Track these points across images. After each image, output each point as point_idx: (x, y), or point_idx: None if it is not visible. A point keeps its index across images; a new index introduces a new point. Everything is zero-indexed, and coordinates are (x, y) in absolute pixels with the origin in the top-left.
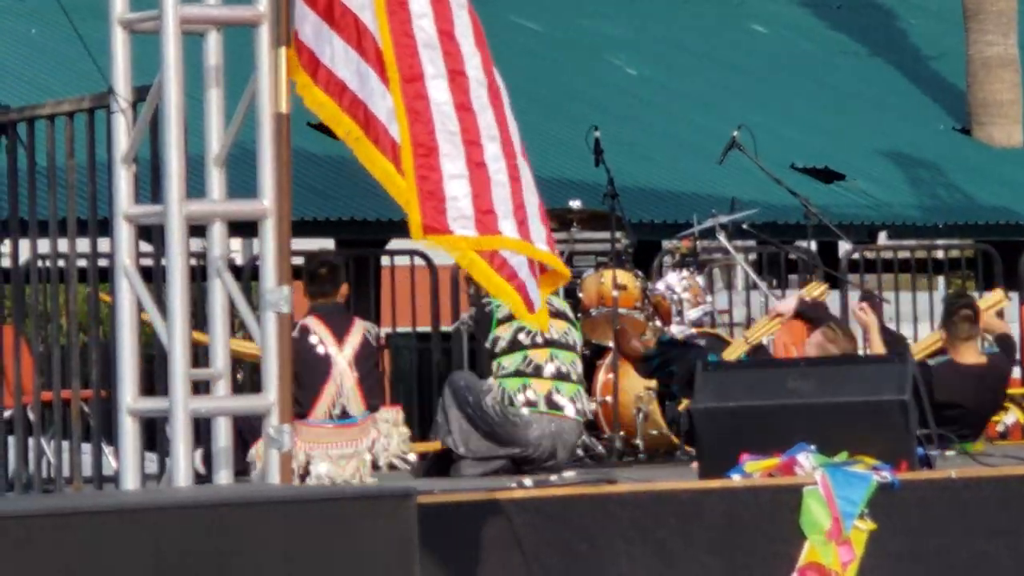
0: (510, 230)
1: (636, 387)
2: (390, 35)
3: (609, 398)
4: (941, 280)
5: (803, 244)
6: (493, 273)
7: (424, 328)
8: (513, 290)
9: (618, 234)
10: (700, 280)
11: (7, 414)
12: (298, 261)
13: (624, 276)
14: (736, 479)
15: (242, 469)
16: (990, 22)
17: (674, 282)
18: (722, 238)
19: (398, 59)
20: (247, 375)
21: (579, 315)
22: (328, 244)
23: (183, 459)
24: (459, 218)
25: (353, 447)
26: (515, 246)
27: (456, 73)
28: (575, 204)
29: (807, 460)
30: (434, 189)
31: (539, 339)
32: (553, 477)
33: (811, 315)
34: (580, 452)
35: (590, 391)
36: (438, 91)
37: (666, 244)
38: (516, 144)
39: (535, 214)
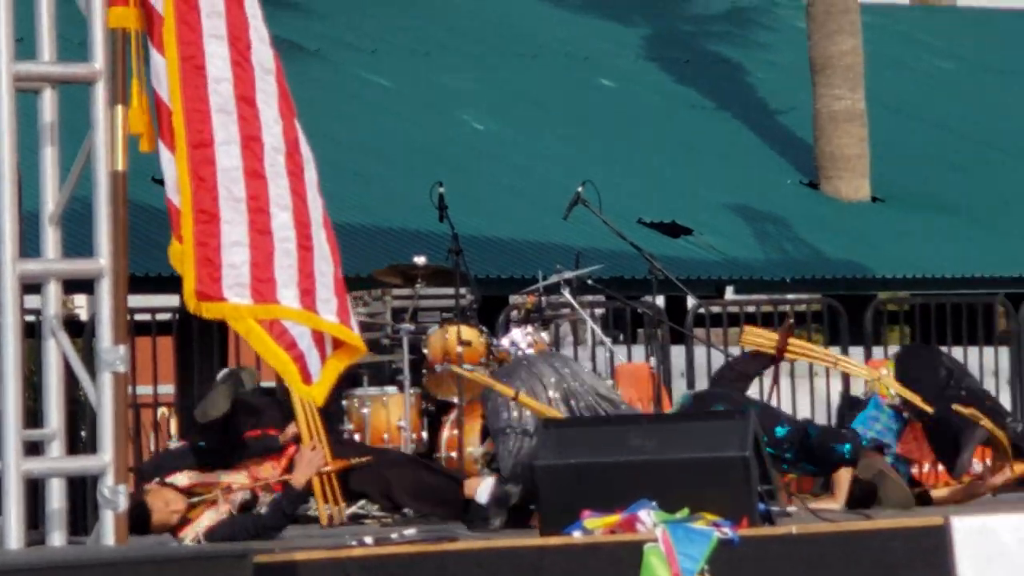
0: (290, 299)
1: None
2: (181, 101)
3: (454, 454)
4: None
5: (649, 299)
6: (271, 341)
7: (269, 383)
8: (290, 360)
9: (462, 290)
10: (545, 336)
11: None
12: (144, 318)
13: (469, 332)
14: (577, 536)
15: None
16: (837, 76)
17: (519, 338)
18: (567, 293)
19: (187, 124)
20: (89, 434)
21: (423, 371)
22: (173, 300)
23: (15, 521)
24: (235, 285)
25: None
26: (295, 316)
27: (251, 139)
28: (419, 260)
29: (648, 517)
30: (212, 256)
31: None
32: (394, 535)
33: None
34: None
35: (434, 448)
36: (228, 157)
37: (512, 299)
38: (314, 214)
39: (327, 285)
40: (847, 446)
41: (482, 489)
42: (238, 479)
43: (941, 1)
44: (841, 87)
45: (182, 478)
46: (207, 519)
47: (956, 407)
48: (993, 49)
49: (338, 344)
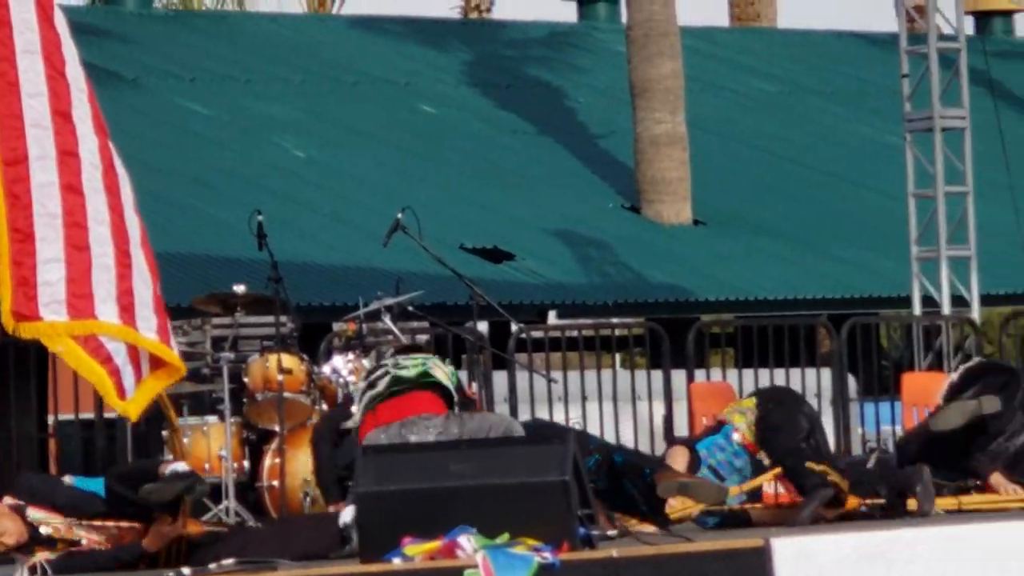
0: (109, 314)
1: (303, 471)
2: None
3: (276, 482)
4: (618, 357)
5: (471, 324)
6: (86, 356)
7: (88, 415)
8: (105, 374)
9: (283, 318)
10: (366, 363)
11: None
12: None
13: (290, 360)
14: (396, 563)
15: None
16: (657, 100)
17: (340, 365)
18: (387, 320)
19: (1, 141)
20: None
21: (244, 400)
22: None
23: None
24: (51, 303)
25: None
26: (114, 331)
27: (67, 154)
28: (239, 288)
29: (468, 542)
30: (28, 275)
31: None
32: (212, 565)
33: None
34: None
35: (256, 477)
36: (43, 172)
37: (334, 326)
38: (132, 232)
39: (146, 303)
40: (647, 469)
41: (345, 512)
42: (94, 537)
43: (760, 23)
44: (661, 110)
45: (45, 520)
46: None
47: (809, 464)
48: (812, 70)
49: (157, 364)
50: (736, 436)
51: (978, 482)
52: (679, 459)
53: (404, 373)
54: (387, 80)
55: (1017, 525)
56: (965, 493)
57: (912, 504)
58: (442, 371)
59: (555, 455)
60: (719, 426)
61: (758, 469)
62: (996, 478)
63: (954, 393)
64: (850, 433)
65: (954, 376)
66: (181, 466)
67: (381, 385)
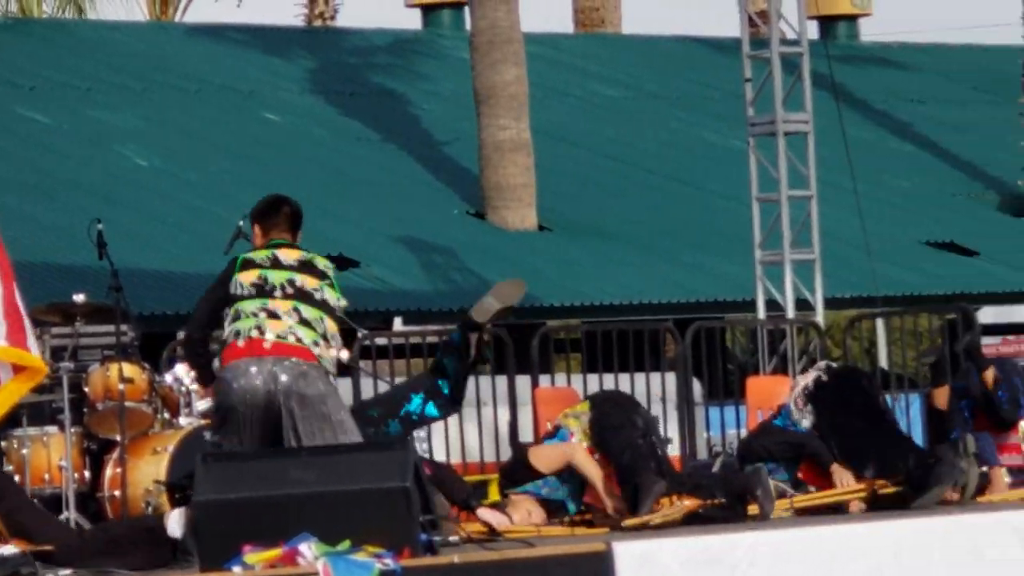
0: None
1: (144, 481)
2: None
3: (117, 492)
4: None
5: None
6: None
7: None
8: None
9: (124, 326)
10: None
11: None
12: None
13: (131, 369)
14: (236, 571)
15: None
16: (501, 106)
17: (182, 374)
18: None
19: None
20: None
21: (85, 410)
22: None
23: None
24: None
25: None
26: None
27: None
28: (79, 298)
29: (309, 550)
30: None
31: (287, 291)
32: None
33: None
34: None
35: (97, 487)
36: None
37: (178, 335)
38: None
39: None
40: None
41: (172, 523)
42: None
43: (605, 29)
44: (506, 117)
45: None
46: None
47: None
48: (657, 76)
49: (17, 369)
50: (573, 440)
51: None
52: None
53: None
54: (230, 88)
55: (857, 527)
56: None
57: (753, 507)
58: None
59: (396, 461)
60: (555, 431)
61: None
62: (835, 468)
63: (809, 398)
64: (695, 437)
65: (809, 382)
66: (8, 549)
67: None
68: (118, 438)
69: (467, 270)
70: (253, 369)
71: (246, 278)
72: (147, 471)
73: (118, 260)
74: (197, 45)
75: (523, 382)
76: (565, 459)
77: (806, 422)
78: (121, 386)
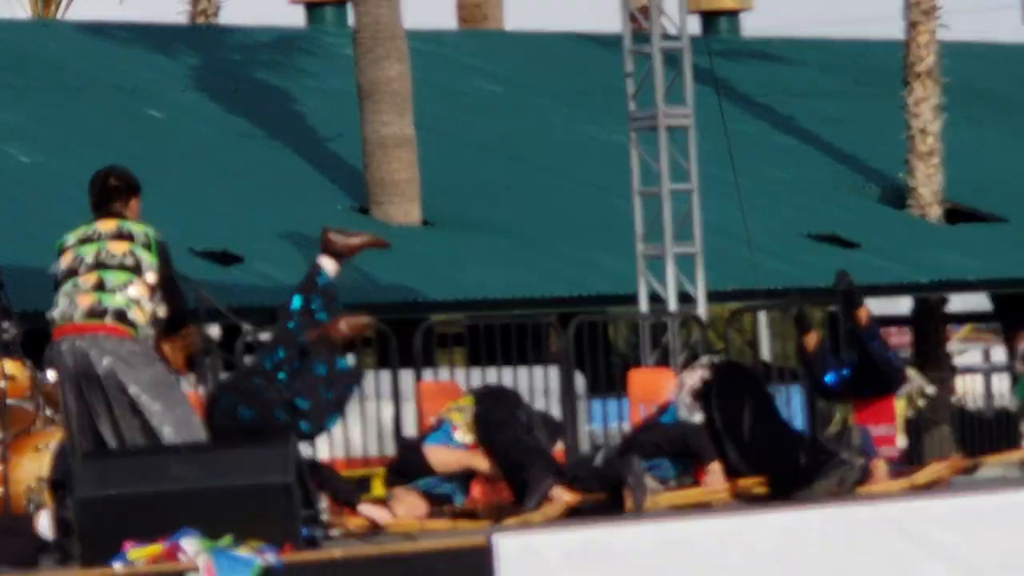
0: None
1: (27, 478)
2: None
3: (0, 489)
4: (350, 358)
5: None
6: None
7: None
8: None
9: (5, 323)
10: None
11: None
12: None
13: (12, 366)
14: (118, 567)
15: None
16: (385, 102)
17: None
18: None
19: None
20: None
21: None
22: None
23: None
24: None
25: None
26: None
27: None
28: None
29: (191, 545)
30: None
31: (93, 263)
32: None
33: None
34: None
35: None
36: None
37: None
38: None
39: None
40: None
41: (41, 524)
42: None
43: (488, 25)
44: (389, 113)
45: None
46: None
47: None
48: (539, 71)
49: None
50: (456, 434)
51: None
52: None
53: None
54: (114, 86)
55: (737, 519)
56: (689, 486)
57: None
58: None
59: (277, 457)
60: (438, 425)
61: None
62: (713, 467)
63: (698, 396)
64: (578, 430)
65: (695, 381)
66: None
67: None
68: (0, 436)
69: (351, 265)
70: (64, 348)
71: (64, 262)
72: (29, 468)
73: (0, 257)
74: (80, 42)
75: (406, 376)
76: (463, 466)
77: (696, 420)
78: (3, 383)
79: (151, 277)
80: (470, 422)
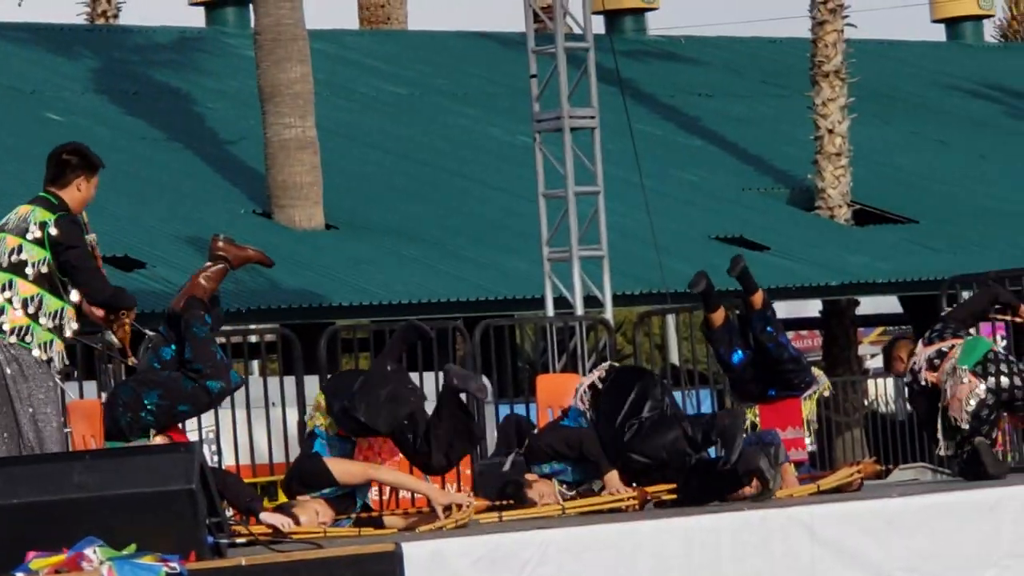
0: None
1: None
2: None
3: None
4: (255, 364)
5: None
6: None
7: None
8: None
9: None
10: None
11: None
12: None
13: None
14: None
15: None
16: (286, 105)
17: None
18: None
19: None
20: None
21: None
22: None
23: None
24: None
25: None
26: None
27: None
28: None
29: (94, 554)
30: None
31: None
32: None
33: None
34: None
35: None
36: None
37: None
38: None
39: None
40: None
41: None
42: None
43: (391, 25)
44: (291, 115)
45: None
46: None
47: None
48: (443, 72)
49: None
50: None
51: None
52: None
53: None
54: (11, 88)
55: (648, 523)
56: (592, 493)
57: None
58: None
59: (181, 463)
60: (310, 436)
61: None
62: (611, 477)
63: (588, 400)
64: (486, 436)
65: (586, 384)
66: None
67: None
68: None
69: (254, 270)
70: None
71: None
72: None
73: None
74: None
75: (312, 382)
76: (367, 477)
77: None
78: None
79: (31, 273)
80: (331, 423)
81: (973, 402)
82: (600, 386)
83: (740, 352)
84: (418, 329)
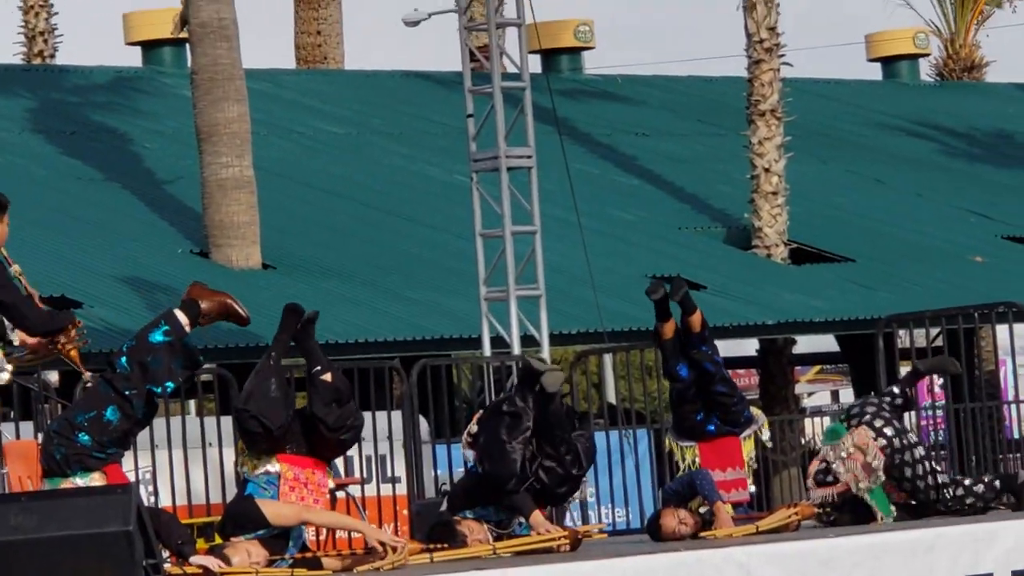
0: None
1: None
2: None
3: None
4: (192, 404)
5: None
6: None
7: None
8: None
9: None
10: None
11: None
12: None
13: None
14: None
15: None
16: (224, 144)
17: None
18: None
19: None
20: None
21: None
22: None
23: None
24: None
25: None
26: None
27: None
28: None
29: None
30: None
31: None
32: None
33: None
34: None
35: None
36: None
37: None
38: None
39: None
40: None
41: None
42: None
43: (328, 65)
44: (228, 155)
45: None
46: None
47: None
48: (379, 111)
49: None
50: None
51: (522, 520)
52: None
53: None
54: None
55: (582, 564)
56: (509, 536)
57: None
58: None
59: (118, 505)
60: (244, 485)
61: None
62: (535, 518)
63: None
64: (423, 476)
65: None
66: None
67: None
68: None
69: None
70: None
71: None
72: None
73: None
74: None
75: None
76: (300, 519)
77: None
78: None
79: None
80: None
81: (876, 459)
82: (473, 434)
83: (685, 368)
84: (295, 308)
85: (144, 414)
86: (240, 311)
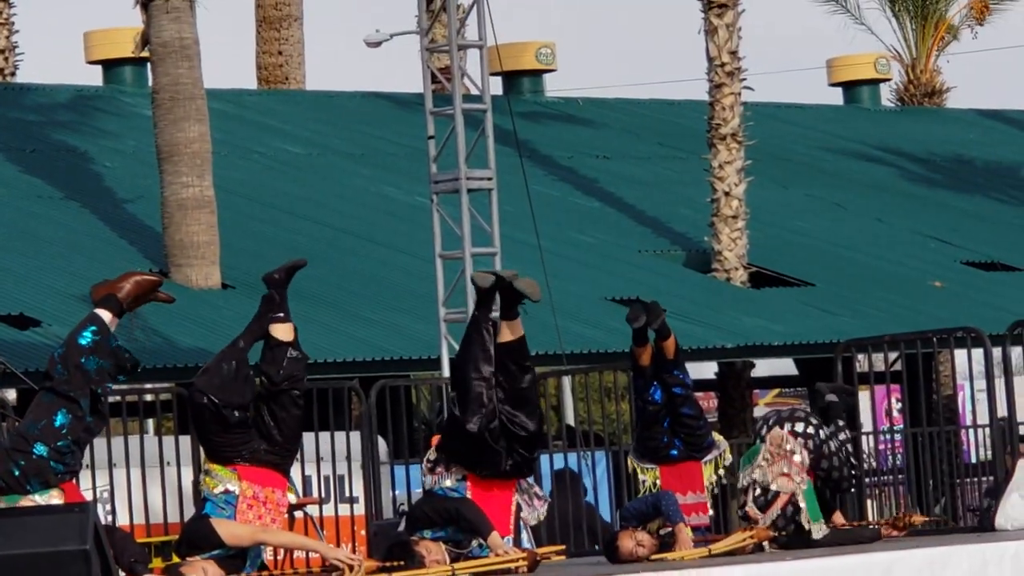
0: None
1: None
2: None
3: None
4: (150, 423)
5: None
6: None
7: None
8: None
9: None
10: None
11: None
12: None
13: None
14: None
15: None
16: (184, 164)
17: None
18: None
19: None
20: None
21: None
22: None
23: None
24: None
25: None
26: None
27: None
28: None
29: None
30: None
31: None
32: None
33: None
34: None
35: None
36: None
37: None
38: None
39: None
40: None
41: None
42: None
43: (289, 85)
44: (189, 174)
45: None
46: None
47: None
48: (340, 132)
49: None
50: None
51: (481, 542)
52: None
53: None
54: None
55: None
56: (467, 557)
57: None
58: None
59: (75, 524)
60: (203, 503)
61: None
62: (493, 539)
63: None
64: (381, 496)
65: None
66: None
67: None
68: None
69: (150, 328)
70: None
71: None
72: None
73: None
74: None
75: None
76: (255, 540)
77: (447, 482)
78: None
79: None
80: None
81: (798, 452)
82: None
83: (660, 392)
84: (267, 280)
85: (92, 413)
86: (150, 276)
